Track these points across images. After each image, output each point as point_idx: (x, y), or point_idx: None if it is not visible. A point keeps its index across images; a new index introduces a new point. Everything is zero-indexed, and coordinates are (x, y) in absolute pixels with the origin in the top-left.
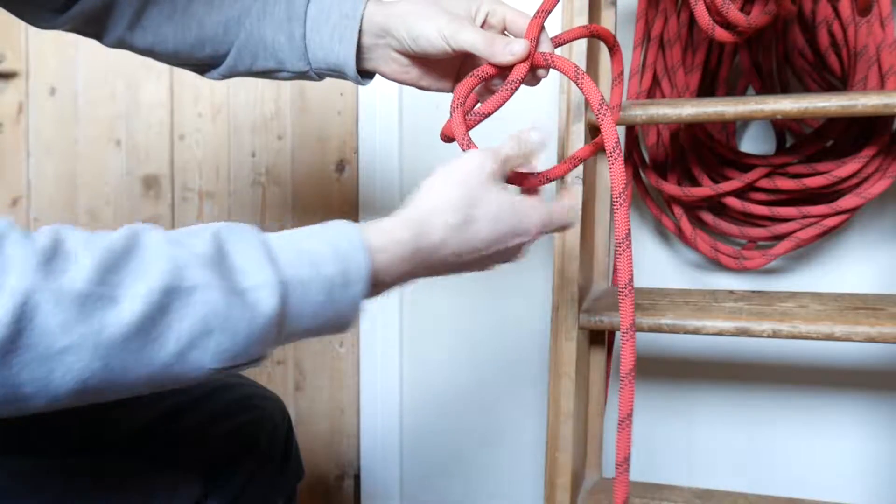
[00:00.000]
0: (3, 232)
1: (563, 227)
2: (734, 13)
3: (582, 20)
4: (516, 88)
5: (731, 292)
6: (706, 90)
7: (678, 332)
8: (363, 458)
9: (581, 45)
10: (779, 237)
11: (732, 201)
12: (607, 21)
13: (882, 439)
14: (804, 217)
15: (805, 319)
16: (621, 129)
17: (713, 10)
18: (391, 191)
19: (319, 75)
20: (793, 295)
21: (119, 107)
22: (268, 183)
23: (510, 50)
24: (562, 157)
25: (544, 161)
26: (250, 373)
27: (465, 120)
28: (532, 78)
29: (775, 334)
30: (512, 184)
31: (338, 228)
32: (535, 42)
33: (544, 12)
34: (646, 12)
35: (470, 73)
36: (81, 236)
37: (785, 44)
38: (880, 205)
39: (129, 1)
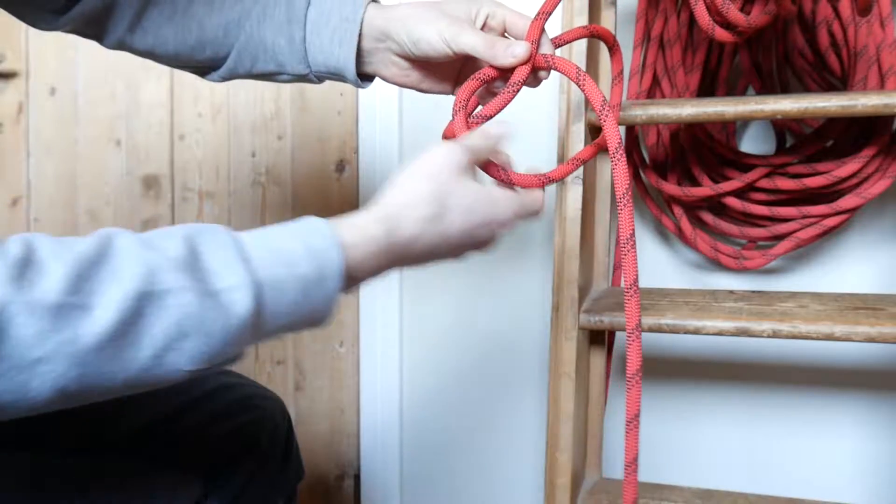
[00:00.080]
0: None
1: (534, 214)
2: (734, 13)
3: (582, 20)
4: (518, 90)
5: (731, 292)
6: (706, 90)
7: (678, 332)
8: (363, 458)
9: (581, 45)
10: (779, 237)
11: (732, 201)
12: (607, 21)
13: (882, 439)
14: (804, 217)
15: (805, 319)
16: (621, 130)
17: (713, 10)
18: None
19: (319, 78)
20: (793, 295)
21: (119, 107)
22: (268, 183)
23: (512, 52)
24: (562, 157)
25: (545, 161)
26: (250, 373)
27: (468, 122)
28: (533, 79)
29: (775, 334)
30: (514, 185)
31: (311, 226)
32: (537, 44)
33: (545, 13)
34: (646, 12)
35: (471, 76)
36: (53, 244)
37: (785, 44)
38: (880, 205)
39: (130, 3)
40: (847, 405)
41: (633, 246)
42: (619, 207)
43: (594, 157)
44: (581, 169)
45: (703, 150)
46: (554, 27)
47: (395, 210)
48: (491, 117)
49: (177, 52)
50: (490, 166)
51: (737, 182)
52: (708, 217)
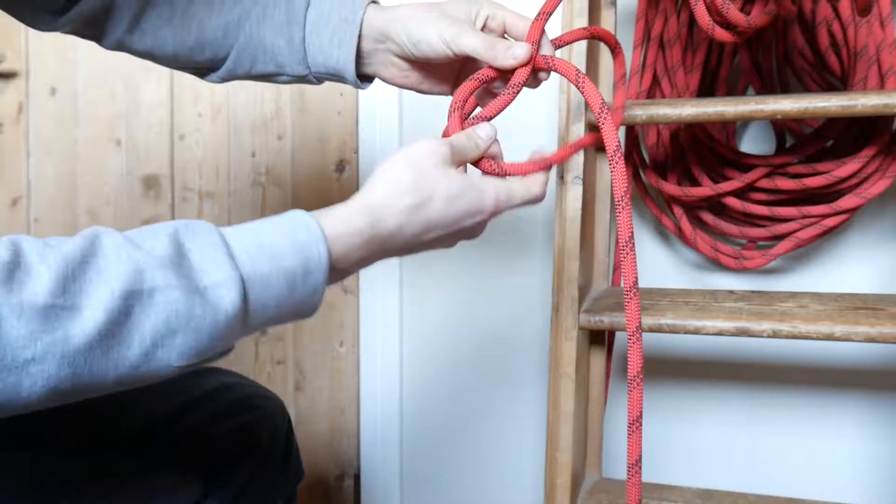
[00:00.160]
0: None
1: (535, 198)
2: (734, 13)
3: (582, 21)
4: (518, 92)
5: (731, 292)
6: (706, 90)
7: (678, 332)
8: (363, 458)
9: (581, 46)
10: (779, 237)
11: (732, 201)
12: (607, 21)
13: (882, 439)
14: (804, 217)
15: (805, 319)
16: (621, 130)
17: (713, 10)
18: None
19: (319, 79)
20: (793, 295)
21: (119, 107)
22: (268, 183)
23: (512, 54)
24: None
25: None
26: (250, 373)
27: (463, 123)
28: (533, 80)
29: (775, 334)
30: (513, 174)
31: (296, 219)
32: (537, 45)
33: (545, 14)
34: (646, 12)
35: (470, 77)
36: (40, 245)
37: (785, 44)
38: (880, 205)
39: (129, 4)
40: (847, 405)
41: (633, 248)
42: (617, 210)
43: (595, 144)
44: (581, 169)
45: (703, 150)
46: (554, 27)
47: (378, 200)
48: (490, 118)
49: (176, 54)
50: (481, 162)
51: (737, 182)
52: (708, 217)
